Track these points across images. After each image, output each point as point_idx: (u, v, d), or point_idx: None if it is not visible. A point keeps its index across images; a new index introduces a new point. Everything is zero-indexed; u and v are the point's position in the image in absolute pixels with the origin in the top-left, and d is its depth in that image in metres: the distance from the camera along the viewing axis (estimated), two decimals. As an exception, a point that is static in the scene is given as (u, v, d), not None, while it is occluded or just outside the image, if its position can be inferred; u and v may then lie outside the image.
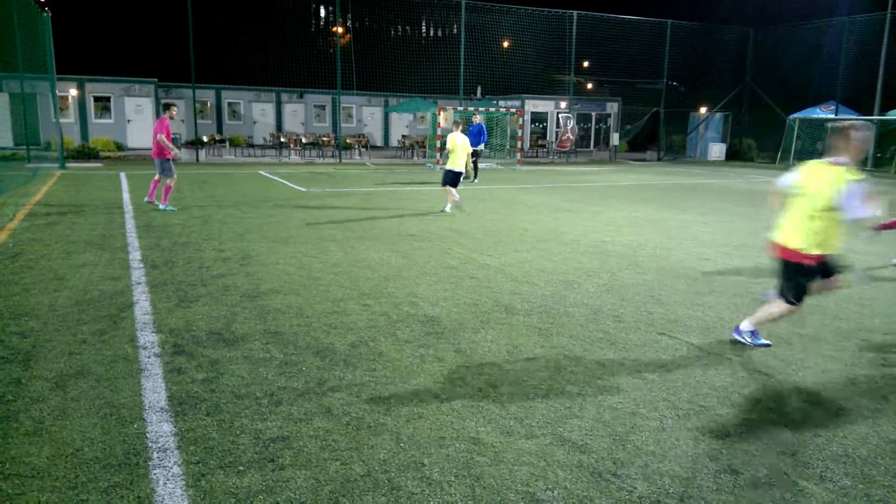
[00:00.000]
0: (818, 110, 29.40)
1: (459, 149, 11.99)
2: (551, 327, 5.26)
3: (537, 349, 4.74)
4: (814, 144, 30.10)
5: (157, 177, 11.48)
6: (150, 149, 12.68)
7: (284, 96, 33.26)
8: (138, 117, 28.05)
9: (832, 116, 28.97)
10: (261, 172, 19.52)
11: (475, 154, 18.53)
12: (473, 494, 2.86)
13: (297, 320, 5.25)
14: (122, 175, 17.54)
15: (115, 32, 39.89)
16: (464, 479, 2.97)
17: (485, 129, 19.18)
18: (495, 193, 15.37)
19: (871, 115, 27.49)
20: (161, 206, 11.16)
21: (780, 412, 3.79)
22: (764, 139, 31.88)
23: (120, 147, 26.31)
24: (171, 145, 11.12)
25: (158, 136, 10.99)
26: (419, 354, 4.57)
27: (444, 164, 12.28)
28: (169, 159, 11.18)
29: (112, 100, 27.93)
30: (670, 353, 4.72)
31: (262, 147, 29.83)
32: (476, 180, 18.26)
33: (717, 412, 3.77)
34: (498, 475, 3.02)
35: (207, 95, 31.51)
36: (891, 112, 26.91)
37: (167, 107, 11.24)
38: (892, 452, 3.34)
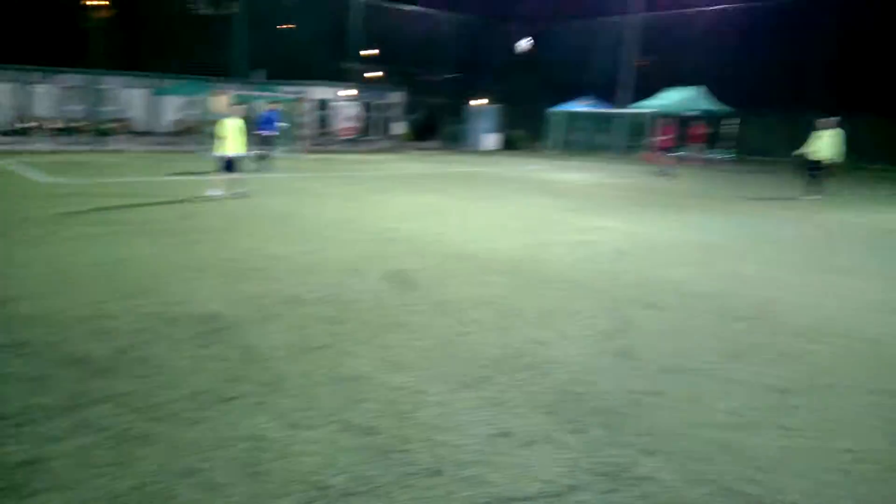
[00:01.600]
0: (578, 103, 32.65)
1: (232, 133, 11.79)
2: (339, 315, 5.26)
3: (325, 338, 4.71)
4: (572, 134, 33.44)
5: None
6: None
7: (30, 76, 29.05)
8: None
9: (590, 109, 32.41)
10: None
11: (266, 141, 17.88)
12: (259, 493, 2.77)
13: (48, 329, 4.65)
14: None
15: None
16: (248, 479, 2.87)
17: (276, 116, 18.79)
18: (280, 182, 14.94)
19: (624, 107, 31.30)
20: None
21: (527, 377, 4.17)
22: (533, 130, 34.71)
23: None
24: None
25: None
26: (198, 354, 4.30)
27: (222, 150, 11.82)
28: None
29: None
30: (452, 331, 4.97)
31: (3, 134, 25.80)
32: (265, 169, 17.54)
33: (494, 381, 4.05)
34: (284, 469, 2.96)
35: (-74, 72, 26.45)
36: (635, 104, 30.70)
37: None
38: (634, 402, 3.84)
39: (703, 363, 4.50)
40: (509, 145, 34.25)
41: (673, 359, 4.58)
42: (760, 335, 5.17)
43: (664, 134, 21.31)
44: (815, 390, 4.10)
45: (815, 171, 15.28)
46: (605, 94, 32.83)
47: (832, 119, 15.10)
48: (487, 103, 35.13)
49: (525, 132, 35.13)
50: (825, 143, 15.04)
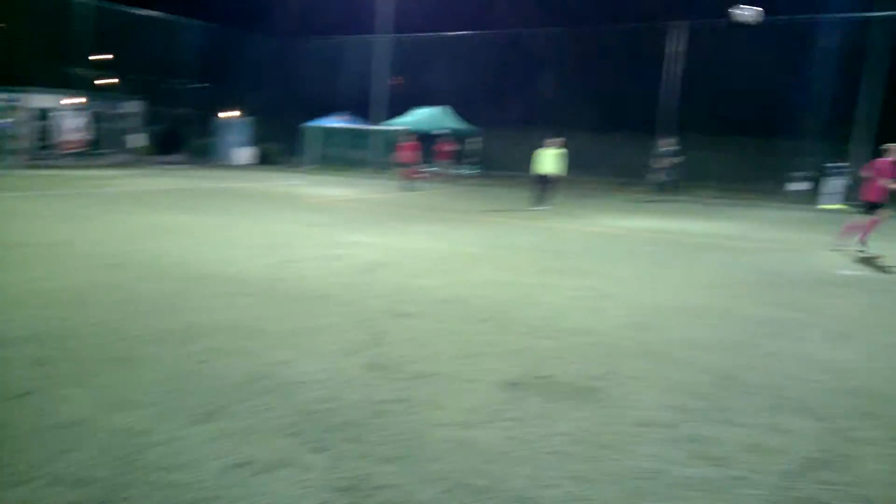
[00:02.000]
0: (333, 119, 32.83)
1: None
2: (51, 354, 4.59)
3: (31, 382, 4.07)
4: (328, 150, 33.58)
5: None
6: None
7: None
8: None
9: (345, 125, 32.77)
10: None
11: None
12: (-77, 581, 2.27)
13: None
14: None
15: None
16: None
17: None
18: (-15, 203, 12.78)
19: (377, 124, 32.12)
20: None
21: (270, 401, 4.05)
22: (289, 144, 34.15)
23: None
24: None
25: None
26: None
27: None
28: None
29: None
30: (188, 360, 4.61)
31: None
32: None
33: (233, 409, 3.82)
34: (-35, 545, 2.47)
35: None
36: (388, 122, 31.76)
37: None
38: (379, 413, 3.89)
39: (445, 366, 4.73)
40: (265, 160, 33.29)
41: (419, 365, 4.75)
42: (496, 335, 5.60)
43: (409, 150, 22.40)
44: (540, 382, 4.53)
45: (543, 184, 17.13)
46: (360, 110, 33.46)
47: (558, 139, 17.08)
48: (239, 115, 33.78)
49: (280, 146, 34.42)
50: (551, 160, 16.95)
